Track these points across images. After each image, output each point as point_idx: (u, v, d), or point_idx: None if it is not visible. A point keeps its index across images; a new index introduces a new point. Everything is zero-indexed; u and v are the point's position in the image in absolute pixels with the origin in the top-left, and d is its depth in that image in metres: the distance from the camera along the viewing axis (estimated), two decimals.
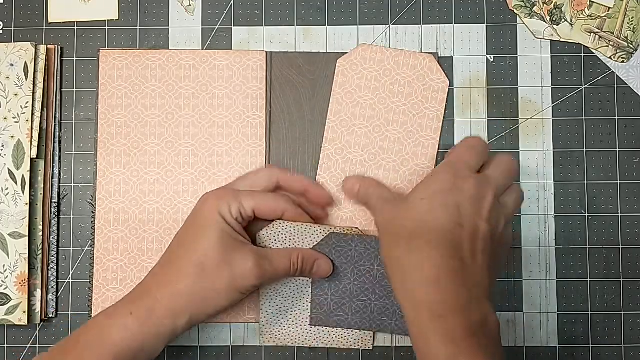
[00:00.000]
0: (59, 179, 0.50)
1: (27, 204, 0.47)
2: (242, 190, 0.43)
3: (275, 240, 0.45)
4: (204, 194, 0.43)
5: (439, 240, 0.37)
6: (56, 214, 0.49)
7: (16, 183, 0.47)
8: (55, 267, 0.49)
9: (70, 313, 0.49)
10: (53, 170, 0.49)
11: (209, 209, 0.41)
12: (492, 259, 0.39)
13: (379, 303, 0.46)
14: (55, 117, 0.49)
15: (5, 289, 0.47)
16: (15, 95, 0.48)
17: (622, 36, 0.50)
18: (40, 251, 0.48)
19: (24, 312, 0.47)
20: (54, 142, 0.49)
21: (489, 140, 0.49)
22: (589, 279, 0.48)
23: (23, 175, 0.47)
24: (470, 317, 0.36)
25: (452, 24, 0.50)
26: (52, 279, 0.49)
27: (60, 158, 0.50)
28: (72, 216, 0.49)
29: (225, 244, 0.40)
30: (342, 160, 0.49)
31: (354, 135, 0.49)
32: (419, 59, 0.49)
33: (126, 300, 0.41)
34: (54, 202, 0.49)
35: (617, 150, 0.49)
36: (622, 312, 0.48)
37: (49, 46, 0.49)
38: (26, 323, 0.47)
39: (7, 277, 0.47)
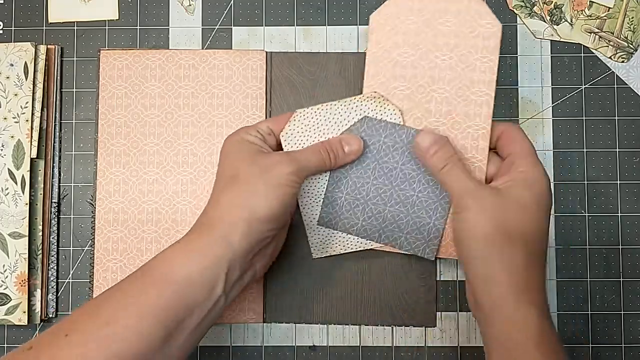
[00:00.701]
0: (59, 179, 0.50)
1: (27, 204, 0.47)
2: None
3: (301, 134, 0.43)
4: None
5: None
6: (56, 214, 0.49)
7: (16, 183, 0.47)
8: (55, 267, 0.49)
9: (70, 313, 0.49)
10: (53, 170, 0.49)
11: (229, 141, 0.42)
12: None
13: (394, 210, 0.44)
14: (55, 117, 0.49)
15: (5, 289, 0.47)
16: (15, 95, 0.48)
17: (622, 36, 0.50)
18: (40, 251, 0.48)
19: (24, 312, 0.47)
20: (54, 142, 0.49)
21: None
22: (589, 279, 0.48)
23: (23, 175, 0.47)
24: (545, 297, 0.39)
25: None
26: (52, 279, 0.49)
27: (60, 158, 0.50)
28: (72, 216, 0.49)
29: (253, 153, 0.41)
30: None
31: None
32: (463, 2, 0.43)
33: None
34: (54, 202, 0.49)
35: (617, 150, 0.49)
36: (622, 312, 0.48)
37: (49, 46, 0.49)
38: (26, 323, 0.47)
39: (7, 277, 0.47)
